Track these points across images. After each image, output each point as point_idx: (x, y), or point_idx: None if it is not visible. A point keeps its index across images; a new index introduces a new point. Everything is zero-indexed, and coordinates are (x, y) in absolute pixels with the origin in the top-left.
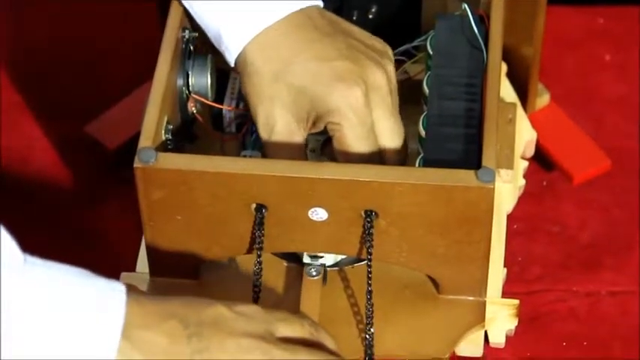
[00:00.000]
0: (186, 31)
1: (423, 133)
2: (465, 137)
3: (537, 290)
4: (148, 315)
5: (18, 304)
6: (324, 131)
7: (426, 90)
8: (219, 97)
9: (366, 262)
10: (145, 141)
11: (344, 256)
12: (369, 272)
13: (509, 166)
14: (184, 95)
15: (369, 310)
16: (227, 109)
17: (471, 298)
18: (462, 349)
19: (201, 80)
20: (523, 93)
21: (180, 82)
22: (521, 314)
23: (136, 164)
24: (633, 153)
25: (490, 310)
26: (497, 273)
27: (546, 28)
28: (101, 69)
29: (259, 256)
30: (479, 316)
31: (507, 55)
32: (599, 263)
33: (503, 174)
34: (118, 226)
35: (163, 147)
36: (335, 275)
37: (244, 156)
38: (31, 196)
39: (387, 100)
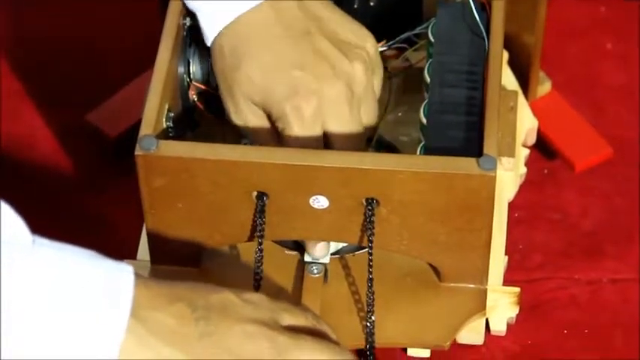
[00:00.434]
0: (187, 19)
1: (424, 120)
2: (467, 125)
3: (538, 278)
4: (156, 297)
5: (28, 283)
6: None
7: (427, 77)
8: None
9: (367, 250)
10: (146, 129)
11: (345, 244)
12: (370, 260)
13: (511, 153)
14: (185, 83)
15: (369, 298)
16: None
17: (472, 286)
18: (462, 337)
19: (202, 68)
20: (524, 81)
21: (181, 69)
22: (522, 302)
23: (137, 152)
24: (634, 141)
25: (491, 298)
26: (498, 261)
27: (548, 16)
28: (102, 57)
29: (260, 244)
30: (480, 304)
31: (509, 43)
32: (600, 251)
33: (504, 162)
34: (119, 213)
35: (164, 135)
36: (336, 263)
37: (245, 144)
38: (32, 184)
39: (343, 111)
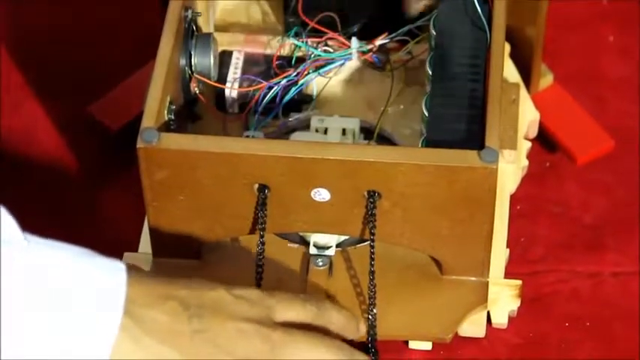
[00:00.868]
0: (189, 11)
1: (426, 113)
2: (468, 118)
3: (540, 271)
4: (150, 295)
5: (21, 281)
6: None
7: (429, 70)
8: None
9: (368, 242)
10: (148, 121)
11: (347, 237)
12: (372, 253)
13: (513, 146)
14: (187, 75)
15: (371, 291)
16: (230, 89)
17: (473, 279)
18: (464, 330)
19: (204, 60)
20: (526, 73)
21: (182, 62)
22: (523, 295)
23: (139, 144)
24: (636, 133)
25: (493, 291)
26: (499, 254)
27: (550, 8)
28: (104, 49)
29: (262, 236)
30: (481, 296)
31: (511, 36)
32: (601, 244)
33: (506, 154)
34: (121, 206)
35: (166, 127)
36: (338, 256)
37: (247, 136)
38: (32, 176)
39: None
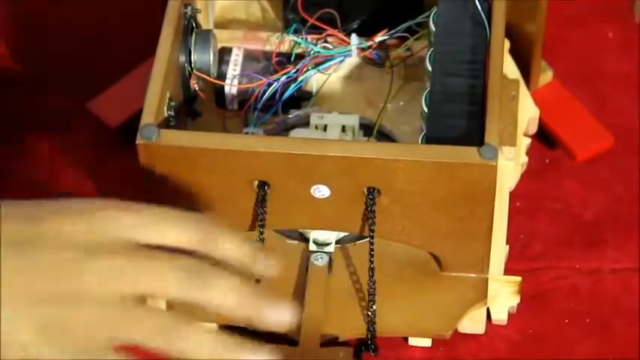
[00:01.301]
0: (189, 7)
1: (425, 109)
2: (468, 114)
3: (539, 267)
4: None
5: None
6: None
7: (429, 67)
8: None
9: (368, 239)
10: (148, 118)
11: (346, 234)
12: (372, 250)
13: (512, 143)
14: (186, 72)
15: (371, 288)
16: (229, 85)
17: (473, 276)
18: (464, 327)
19: (204, 57)
20: (526, 70)
21: (182, 58)
22: (523, 291)
23: (139, 141)
24: (636, 130)
25: (492, 288)
26: (499, 250)
27: (550, 4)
28: (103, 45)
29: (261, 233)
30: (481, 293)
31: (510, 32)
32: (601, 241)
33: (505, 151)
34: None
35: (166, 124)
36: (337, 252)
37: (247, 133)
38: (30, 173)
39: None
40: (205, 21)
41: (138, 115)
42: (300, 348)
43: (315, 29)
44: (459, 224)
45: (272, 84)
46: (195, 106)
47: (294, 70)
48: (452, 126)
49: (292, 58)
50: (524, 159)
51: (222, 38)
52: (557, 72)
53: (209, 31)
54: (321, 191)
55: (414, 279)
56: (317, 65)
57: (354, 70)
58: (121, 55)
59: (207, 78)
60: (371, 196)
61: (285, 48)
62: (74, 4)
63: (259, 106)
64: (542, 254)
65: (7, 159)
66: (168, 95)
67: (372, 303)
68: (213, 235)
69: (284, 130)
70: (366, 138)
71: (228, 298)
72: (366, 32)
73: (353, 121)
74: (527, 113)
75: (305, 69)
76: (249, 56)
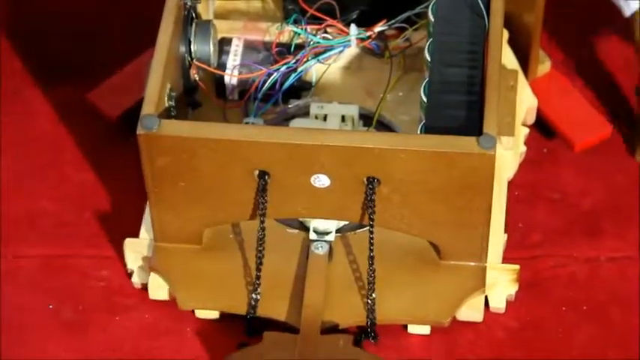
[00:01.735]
0: None
1: (424, 99)
2: (467, 104)
3: (537, 256)
4: None
5: None
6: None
7: (428, 57)
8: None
9: (368, 228)
10: (148, 108)
11: (346, 223)
12: (371, 239)
13: (511, 133)
14: (187, 62)
15: (370, 276)
16: (229, 76)
17: (471, 264)
18: (462, 314)
19: (204, 47)
20: (524, 60)
21: (182, 49)
22: (521, 279)
23: (139, 131)
24: (634, 119)
25: (491, 276)
26: (497, 239)
27: None
28: (103, 36)
29: (262, 222)
30: (479, 281)
31: (509, 22)
32: (599, 229)
33: (504, 141)
34: (122, 193)
35: (166, 114)
36: (337, 241)
37: (247, 123)
38: (33, 162)
39: None
40: (205, 11)
41: (138, 105)
42: (300, 335)
43: (314, 20)
44: (458, 213)
45: (272, 74)
46: (195, 97)
47: (294, 61)
48: (451, 116)
49: (292, 49)
50: (523, 148)
51: (222, 29)
52: (556, 62)
53: (209, 22)
54: (321, 180)
55: (413, 267)
56: (317, 55)
57: (354, 61)
58: (120, 46)
59: (208, 68)
60: (371, 186)
61: (284, 38)
62: None
63: (259, 96)
64: (540, 243)
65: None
66: (168, 86)
67: (371, 291)
68: None
69: (284, 120)
70: (365, 128)
71: None
72: (365, 23)
73: (352, 111)
74: (526, 103)
75: (305, 59)
76: (249, 47)
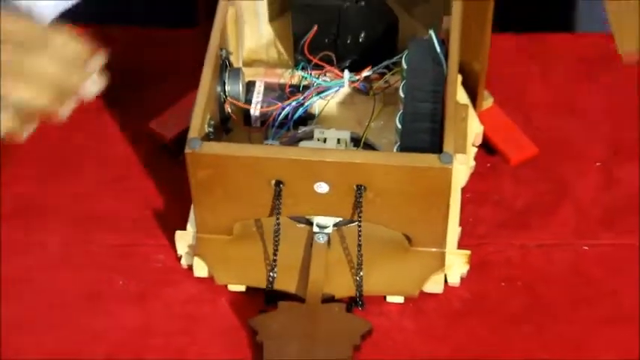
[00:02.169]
0: (223, 50)
1: (399, 127)
2: (431, 130)
3: (483, 243)
4: None
5: None
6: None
7: (402, 95)
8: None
9: (357, 223)
10: (193, 133)
11: (341, 219)
12: (359, 231)
13: (463, 151)
14: (222, 99)
15: (359, 259)
16: (254, 109)
17: (434, 250)
18: (427, 287)
19: (235, 87)
20: (473, 97)
21: (218, 89)
22: (471, 262)
23: (187, 150)
24: (554, 142)
25: (449, 259)
26: (454, 230)
27: (491, 48)
28: (160, 80)
29: (277, 219)
30: (440, 262)
31: (462, 69)
32: (528, 224)
33: (458, 157)
34: (174, 196)
35: (206, 137)
36: (335, 233)
37: (267, 144)
38: (108, 174)
39: None
40: (236, 61)
41: (186, 131)
42: (306, 304)
43: (317, 67)
44: (425, 212)
45: (285, 108)
46: (228, 124)
47: (302, 98)
48: (419, 139)
49: (300, 88)
50: (472, 163)
51: (249, 74)
52: (497, 99)
53: (239, 69)
54: (322, 187)
55: (391, 252)
56: (319, 93)
57: (347, 97)
58: (174, 88)
59: (238, 103)
60: (359, 192)
61: (295, 81)
62: (135, 52)
63: (276, 124)
64: (485, 234)
65: (92, 164)
66: (208, 116)
67: (359, 270)
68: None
69: (294, 142)
70: (355, 148)
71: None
72: (355, 69)
73: (346, 135)
74: (474, 129)
75: (310, 96)
76: (269, 87)
